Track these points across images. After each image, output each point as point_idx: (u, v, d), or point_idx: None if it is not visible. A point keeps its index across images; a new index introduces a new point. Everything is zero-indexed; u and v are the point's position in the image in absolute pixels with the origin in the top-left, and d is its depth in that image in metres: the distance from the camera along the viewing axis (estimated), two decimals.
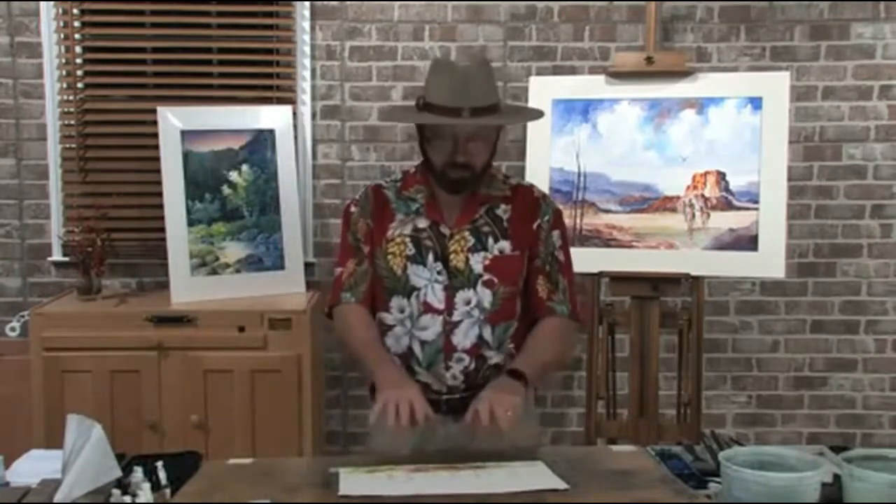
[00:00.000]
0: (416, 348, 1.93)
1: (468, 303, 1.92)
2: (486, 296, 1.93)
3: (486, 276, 1.93)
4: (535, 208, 2.01)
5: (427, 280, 1.93)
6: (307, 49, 3.46)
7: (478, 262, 1.93)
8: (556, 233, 2.03)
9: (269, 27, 3.49)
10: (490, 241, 1.95)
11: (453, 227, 1.96)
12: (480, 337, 1.93)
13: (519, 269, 1.98)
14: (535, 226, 2.00)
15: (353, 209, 2.05)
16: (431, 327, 1.92)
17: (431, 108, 1.88)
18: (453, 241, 1.95)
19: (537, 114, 2.18)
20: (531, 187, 2.08)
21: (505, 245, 1.96)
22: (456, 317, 1.92)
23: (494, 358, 1.95)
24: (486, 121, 1.88)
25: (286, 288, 3.27)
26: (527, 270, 2.00)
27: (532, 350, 1.94)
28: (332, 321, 2.06)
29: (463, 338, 1.92)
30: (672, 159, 3.03)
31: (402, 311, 1.95)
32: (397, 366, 1.92)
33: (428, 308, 1.92)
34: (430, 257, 1.94)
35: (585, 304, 2.10)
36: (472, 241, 1.94)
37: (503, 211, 1.99)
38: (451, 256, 1.94)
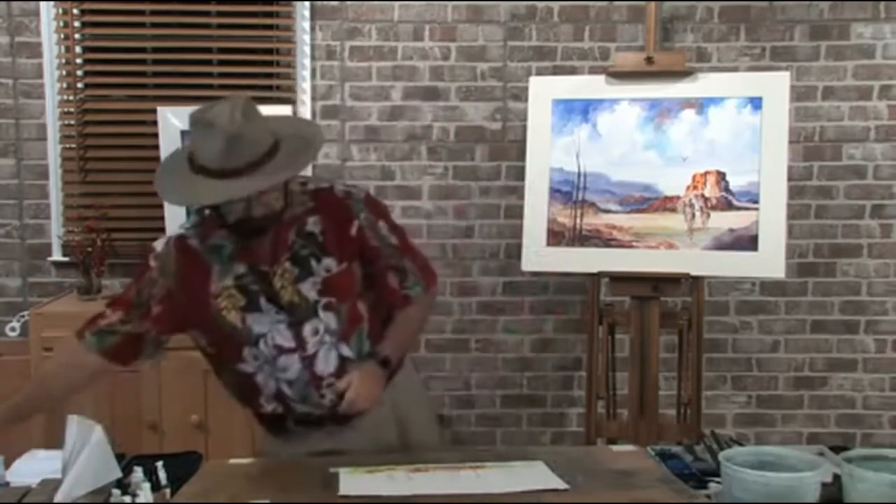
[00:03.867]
0: (285, 389, 1.87)
1: (316, 332, 1.85)
2: (330, 319, 1.86)
3: (324, 300, 1.85)
4: (344, 210, 1.90)
5: (269, 323, 1.84)
6: (307, 49, 3.46)
7: (310, 290, 1.84)
8: (380, 223, 1.93)
9: (269, 27, 3.49)
10: (313, 263, 1.85)
11: (272, 264, 1.84)
12: (341, 357, 1.87)
13: (353, 280, 1.90)
14: (353, 230, 1.89)
15: (152, 264, 1.88)
16: (291, 367, 1.85)
17: (206, 172, 1.69)
18: (277, 277, 1.84)
19: (316, 140, 1.87)
20: (331, 188, 1.94)
21: (330, 262, 1.86)
22: (310, 349, 1.85)
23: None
24: (270, 178, 1.70)
25: None
26: (373, 272, 1.93)
27: (396, 333, 1.95)
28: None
29: (325, 365, 1.86)
30: (672, 159, 3.03)
31: (256, 359, 1.86)
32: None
33: (281, 350, 1.85)
34: (263, 300, 1.84)
35: (431, 261, 2.04)
36: (295, 271, 1.84)
37: (313, 224, 1.87)
38: (281, 293, 1.84)
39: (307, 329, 1.85)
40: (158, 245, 1.91)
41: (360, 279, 1.92)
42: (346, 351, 1.88)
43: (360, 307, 1.91)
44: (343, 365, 1.87)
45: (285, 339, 1.84)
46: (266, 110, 3.42)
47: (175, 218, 3.16)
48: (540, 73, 3.44)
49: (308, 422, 1.91)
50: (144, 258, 1.91)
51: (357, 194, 1.94)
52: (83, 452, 1.65)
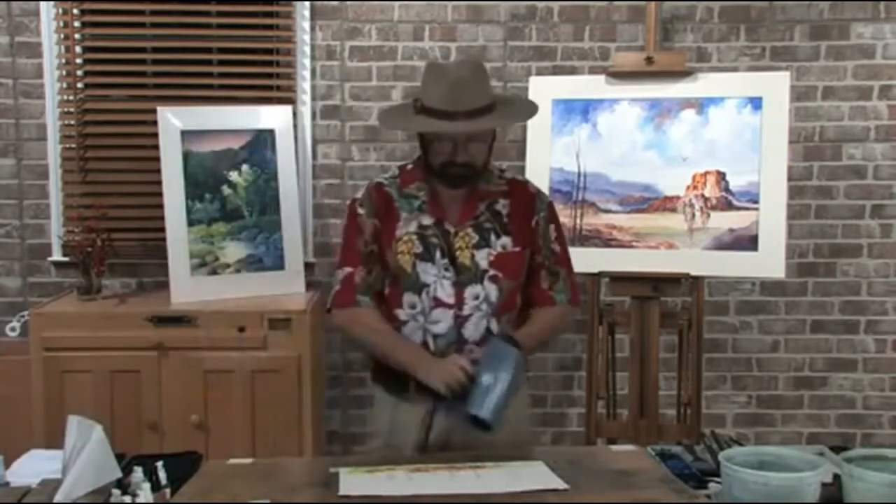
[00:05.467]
0: (430, 341, 2.01)
1: (476, 297, 2.00)
2: (492, 290, 2.01)
3: (492, 272, 2.01)
4: (532, 204, 2.10)
5: (436, 276, 2.00)
6: (307, 49, 3.46)
7: (483, 259, 2.01)
8: (552, 227, 2.13)
9: (269, 27, 3.49)
10: (492, 237, 2.03)
11: (457, 225, 2.03)
12: (488, 329, 2.01)
13: (522, 264, 2.07)
14: (533, 222, 2.09)
15: (360, 210, 2.09)
16: (443, 321, 2.00)
17: (428, 112, 1.94)
18: (458, 238, 2.02)
19: (531, 110, 2.22)
20: (526, 183, 2.17)
21: (507, 241, 2.04)
22: (466, 311, 2.00)
23: None
24: (480, 123, 1.93)
25: (286, 288, 3.27)
26: (529, 267, 2.08)
27: (534, 327, 2.07)
28: (334, 316, 2.11)
29: (473, 330, 2.00)
30: (672, 159, 3.03)
31: (413, 308, 2.02)
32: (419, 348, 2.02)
33: (439, 303, 2.00)
34: (438, 254, 2.01)
35: (580, 288, 2.23)
36: (476, 237, 2.02)
37: (502, 206, 2.07)
38: (458, 253, 2.01)
39: (469, 292, 2.00)
40: (359, 194, 2.11)
41: (525, 271, 2.07)
42: (495, 326, 2.01)
43: (517, 296, 2.08)
44: (488, 338, 2.01)
45: (446, 294, 2.00)
46: (266, 110, 3.48)
47: (175, 217, 3.17)
48: (540, 73, 3.44)
49: (428, 388, 1.96)
50: (351, 212, 2.09)
51: (545, 197, 2.16)
52: (83, 452, 1.65)
